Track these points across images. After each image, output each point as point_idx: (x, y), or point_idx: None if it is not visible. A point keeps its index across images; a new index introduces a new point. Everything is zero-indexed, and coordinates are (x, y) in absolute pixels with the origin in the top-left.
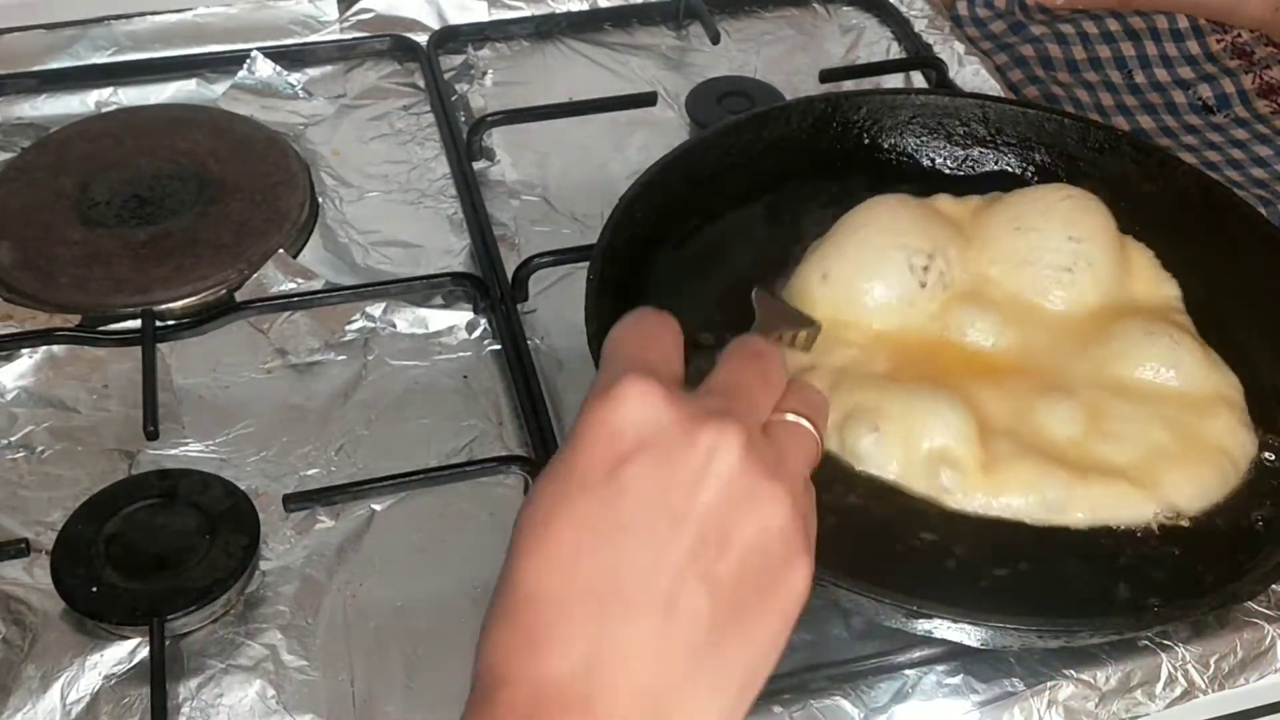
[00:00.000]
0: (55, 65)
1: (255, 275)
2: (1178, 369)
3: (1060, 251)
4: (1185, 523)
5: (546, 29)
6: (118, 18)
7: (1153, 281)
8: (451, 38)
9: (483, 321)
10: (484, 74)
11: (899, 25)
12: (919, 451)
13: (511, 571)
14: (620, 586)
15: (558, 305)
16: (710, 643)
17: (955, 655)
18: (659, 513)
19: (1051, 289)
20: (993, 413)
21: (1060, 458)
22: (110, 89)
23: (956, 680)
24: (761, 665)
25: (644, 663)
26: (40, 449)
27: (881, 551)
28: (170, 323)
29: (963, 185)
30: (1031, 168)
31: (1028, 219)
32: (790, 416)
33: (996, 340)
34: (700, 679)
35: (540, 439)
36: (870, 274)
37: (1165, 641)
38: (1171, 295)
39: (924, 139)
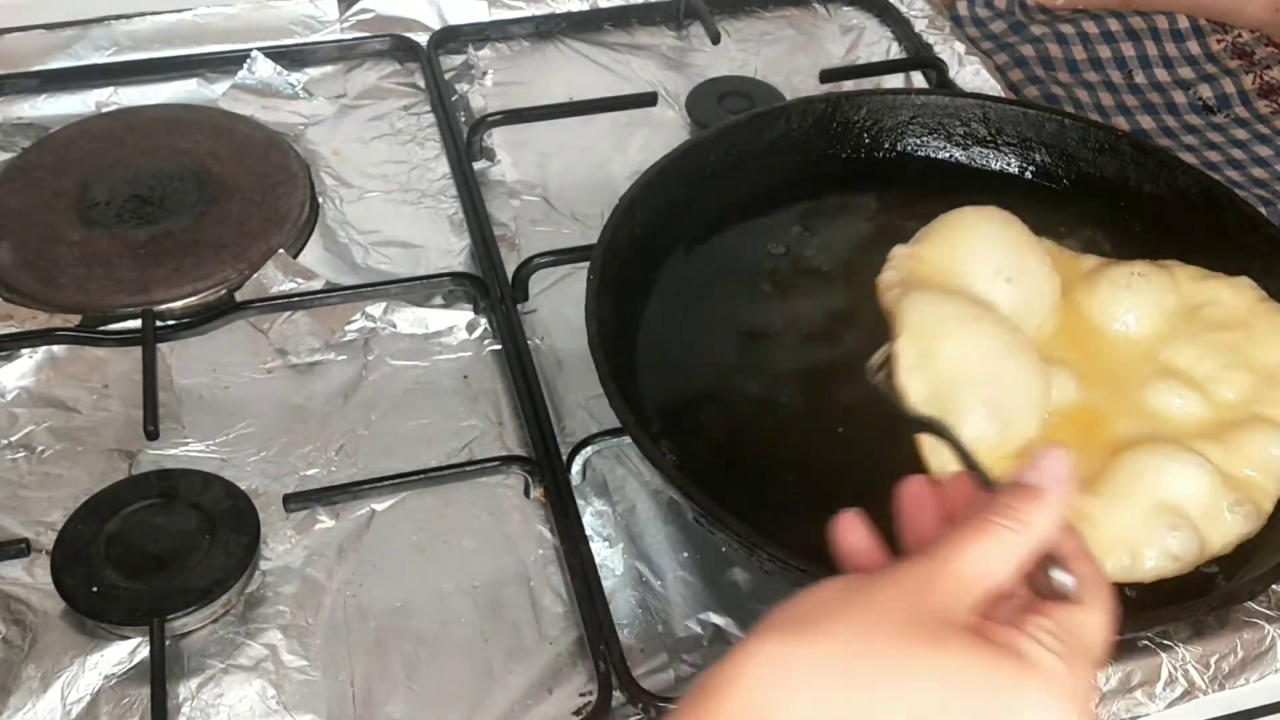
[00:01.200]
0: (55, 65)
1: (255, 275)
2: (1163, 289)
3: (1044, 279)
4: None
5: (547, 29)
6: (118, 18)
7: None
8: (452, 38)
9: (483, 321)
10: (484, 74)
11: (899, 25)
12: (1189, 515)
13: None
14: None
15: (558, 305)
16: None
17: None
18: None
19: (1048, 312)
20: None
21: (1230, 421)
22: (110, 89)
23: None
24: None
25: None
26: (40, 449)
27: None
28: (170, 323)
29: (963, 185)
30: (1032, 168)
31: (1009, 267)
32: None
33: (1076, 384)
34: None
35: (540, 439)
36: (1029, 405)
37: (1165, 641)
38: (1050, 246)
39: (924, 139)
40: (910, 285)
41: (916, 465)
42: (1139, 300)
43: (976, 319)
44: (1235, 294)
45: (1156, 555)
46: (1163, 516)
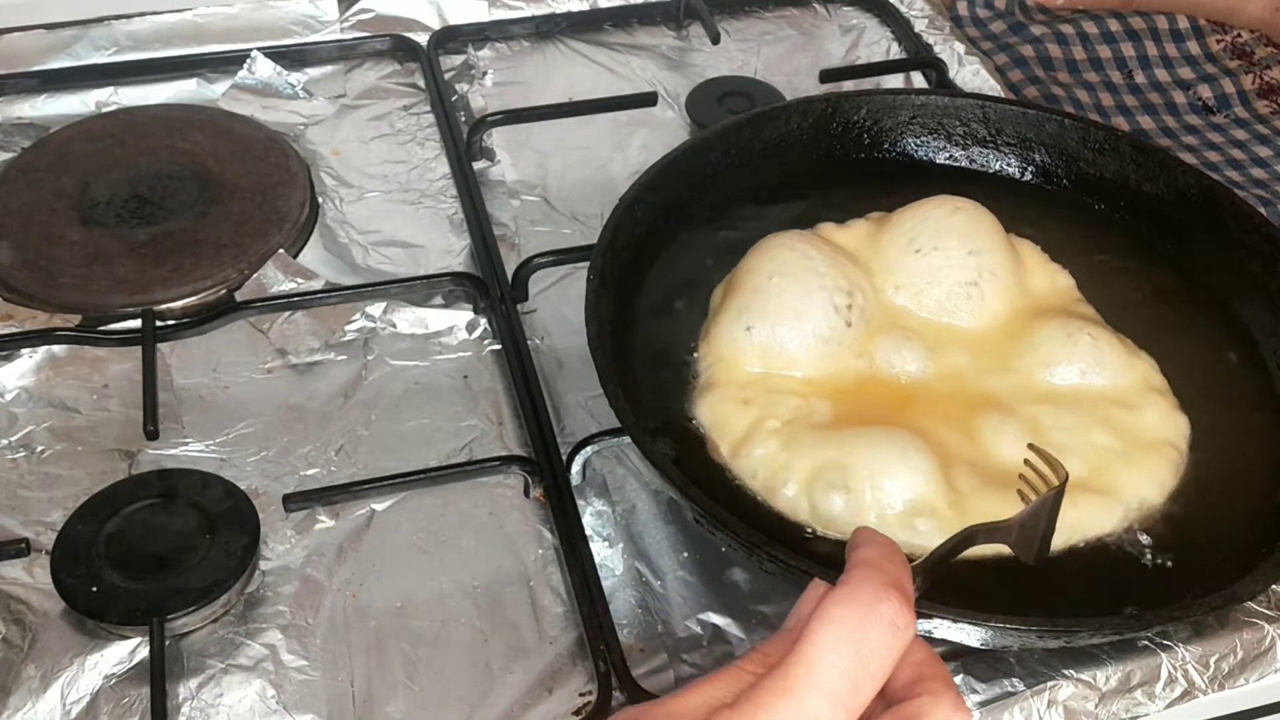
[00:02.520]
0: (55, 65)
1: (255, 275)
2: (1103, 365)
3: (964, 268)
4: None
5: (546, 29)
6: (118, 18)
7: (1047, 275)
8: (451, 38)
9: (483, 321)
10: (484, 74)
11: (899, 25)
12: (891, 504)
13: None
14: None
15: (558, 305)
16: None
17: (955, 655)
18: None
19: (961, 306)
20: (944, 444)
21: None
22: (110, 89)
23: (957, 680)
24: None
25: None
26: (40, 449)
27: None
28: (170, 323)
29: (963, 185)
30: (1031, 168)
31: (925, 238)
32: None
33: (924, 367)
34: None
35: (540, 439)
36: (797, 321)
37: (1165, 642)
38: (1067, 285)
39: (924, 139)
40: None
41: None
42: (1069, 354)
43: (786, 248)
44: (1159, 419)
45: (819, 504)
46: (829, 478)
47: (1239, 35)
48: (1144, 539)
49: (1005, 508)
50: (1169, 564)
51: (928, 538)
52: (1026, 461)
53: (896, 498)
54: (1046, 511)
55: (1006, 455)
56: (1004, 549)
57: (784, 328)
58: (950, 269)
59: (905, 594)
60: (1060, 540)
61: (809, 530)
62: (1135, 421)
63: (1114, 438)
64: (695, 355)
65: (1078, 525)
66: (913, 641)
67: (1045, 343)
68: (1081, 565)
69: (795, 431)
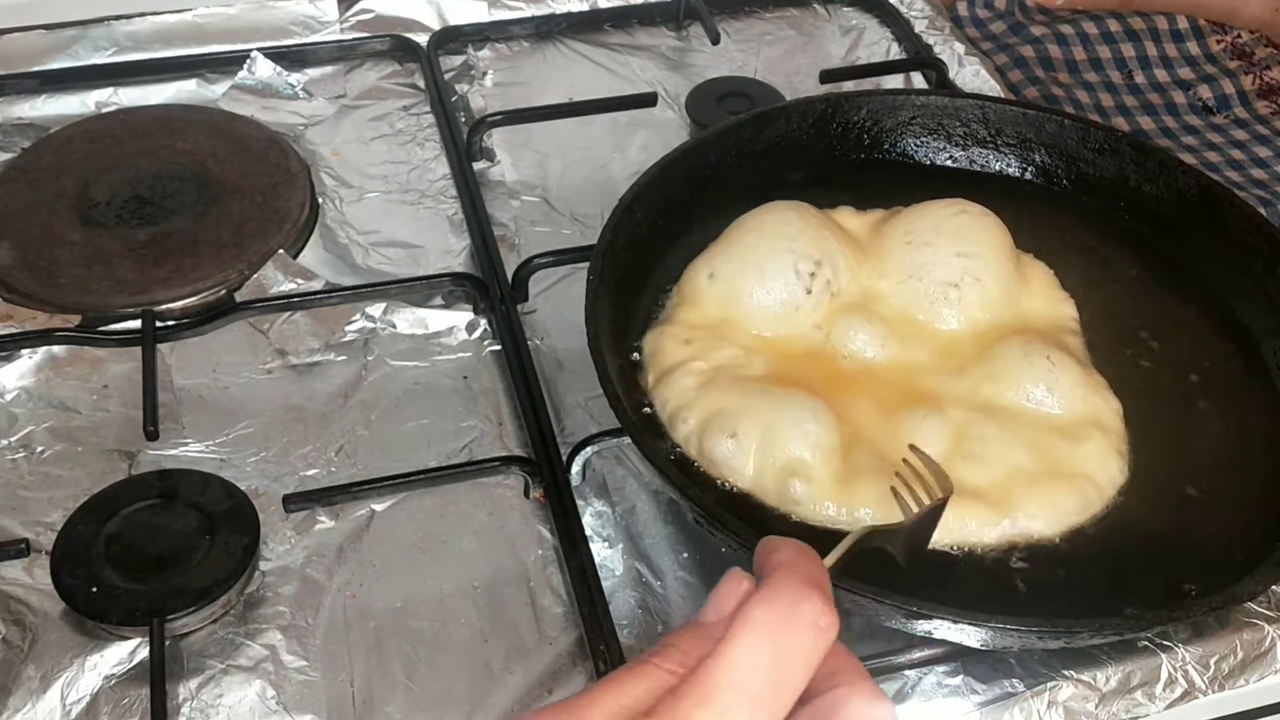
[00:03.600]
0: (55, 65)
1: (255, 275)
2: (1053, 391)
3: (948, 267)
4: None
5: (546, 29)
6: (118, 18)
7: (1049, 300)
8: (451, 38)
9: (483, 322)
10: (484, 74)
11: (899, 26)
12: (773, 461)
13: None
14: None
15: (558, 305)
16: None
17: (955, 656)
18: None
19: (938, 305)
20: (861, 425)
21: None
22: (110, 89)
23: (956, 681)
24: None
25: None
26: (40, 449)
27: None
28: (170, 323)
29: (963, 185)
30: (1031, 168)
31: (920, 234)
32: None
33: (877, 353)
34: None
35: (540, 439)
36: (756, 275)
37: (1165, 642)
38: (1067, 315)
39: (924, 139)
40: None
41: None
42: (1021, 374)
43: (777, 215)
44: (1091, 454)
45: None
46: (722, 422)
47: (1239, 36)
48: (1018, 564)
49: (866, 494)
50: (1030, 594)
51: (797, 501)
52: (905, 461)
53: (779, 454)
54: (929, 521)
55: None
56: None
57: (742, 279)
58: (934, 266)
59: (826, 594)
60: (937, 536)
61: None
62: (1066, 452)
63: (1032, 460)
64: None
65: (953, 529)
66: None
67: (1001, 357)
68: (951, 569)
69: (718, 376)
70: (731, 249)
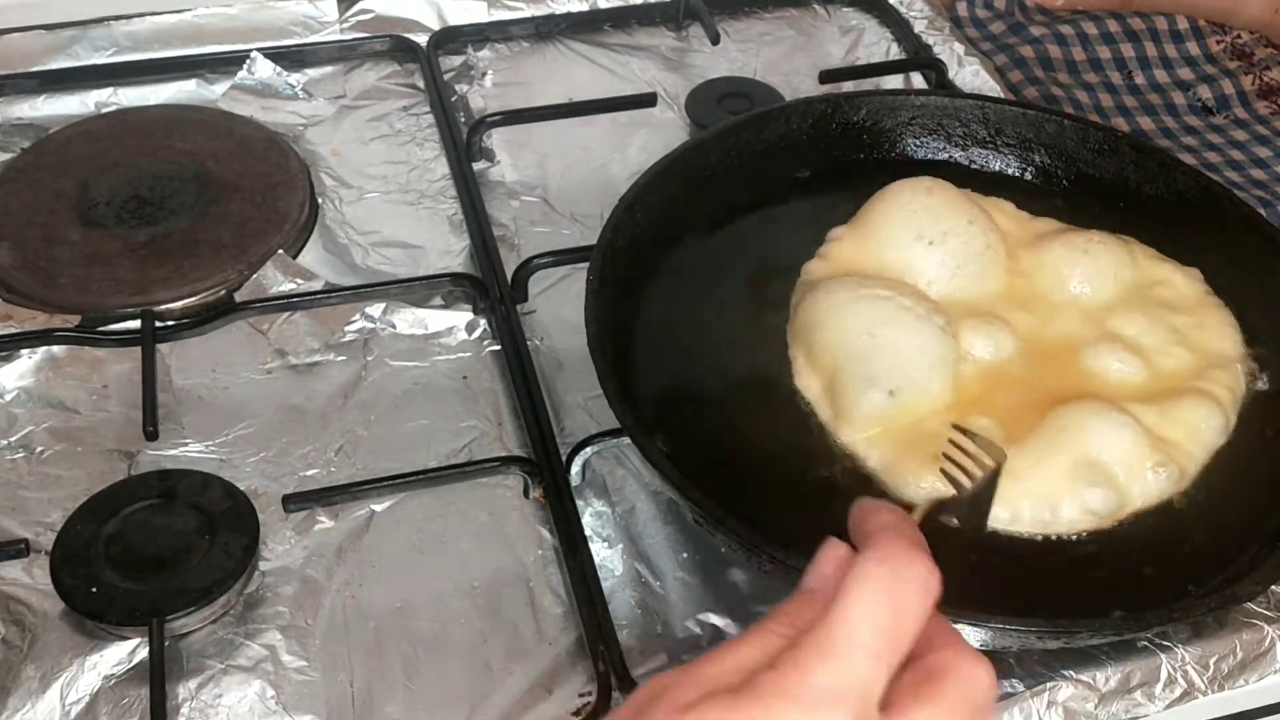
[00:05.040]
0: (55, 65)
1: (255, 276)
2: (1120, 259)
3: (973, 238)
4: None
5: (546, 29)
6: (118, 18)
7: (997, 209)
8: (451, 38)
9: (482, 322)
10: (484, 75)
11: (899, 26)
12: (1142, 475)
13: None
14: None
15: (558, 305)
16: None
17: None
18: None
19: (986, 270)
20: (1085, 393)
21: (1169, 389)
22: (110, 89)
23: None
24: None
25: None
26: (40, 449)
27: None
28: (170, 323)
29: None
30: (1031, 169)
31: (929, 229)
32: None
33: (1012, 342)
34: None
35: (540, 439)
36: (924, 359)
37: (1165, 642)
38: (1011, 209)
39: (924, 140)
40: (826, 274)
41: None
42: (1095, 266)
43: (856, 298)
44: (1186, 281)
45: (1076, 509)
46: (1084, 472)
47: (1238, 36)
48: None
49: (1191, 415)
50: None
51: (1163, 482)
52: (951, 440)
53: (1118, 460)
54: (989, 487)
55: (1133, 377)
56: None
57: (918, 372)
58: (968, 243)
59: (930, 556)
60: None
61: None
62: (1173, 292)
63: (1177, 314)
64: (837, 444)
65: (1232, 402)
66: None
67: (1067, 266)
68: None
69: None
70: (884, 359)
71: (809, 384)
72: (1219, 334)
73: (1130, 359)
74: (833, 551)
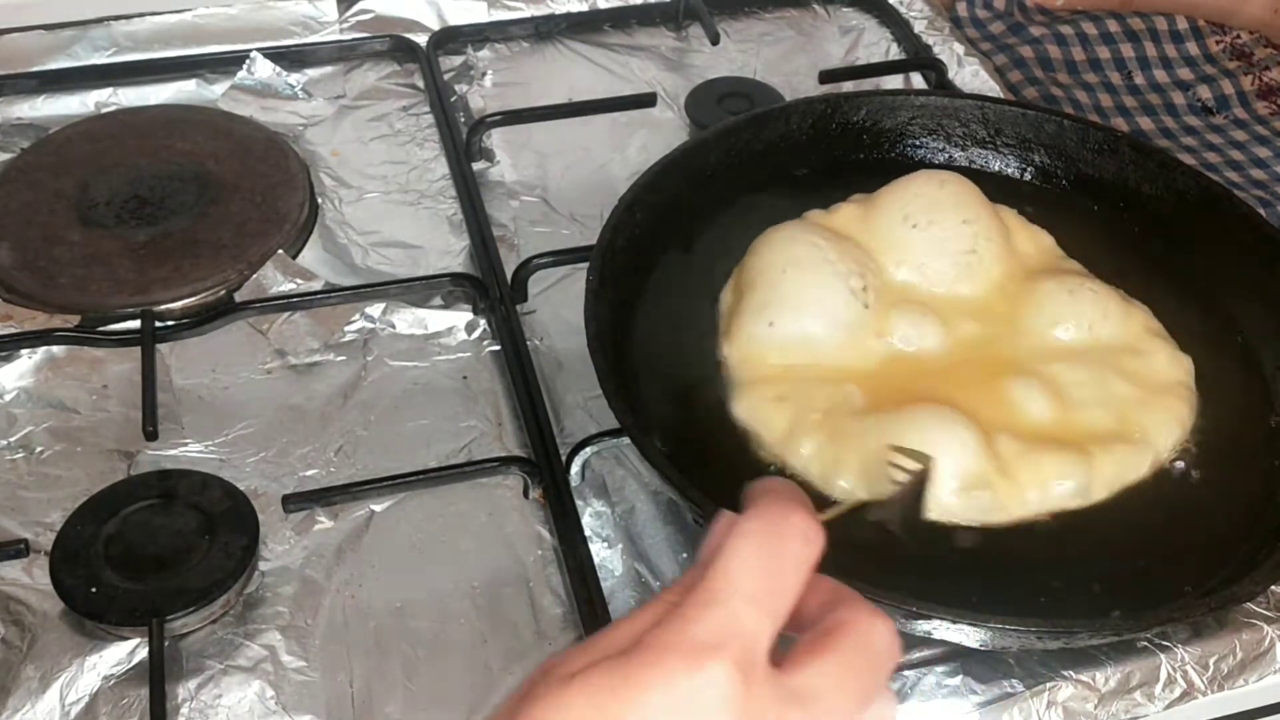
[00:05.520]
0: (55, 65)
1: (255, 276)
2: (1108, 316)
3: (961, 237)
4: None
5: (546, 30)
6: (117, 18)
7: (1029, 236)
8: (451, 38)
9: (482, 322)
10: (483, 75)
11: (898, 26)
12: (949, 484)
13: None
14: None
15: (557, 306)
16: None
17: (954, 656)
18: None
19: (963, 274)
20: (976, 413)
21: (1058, 439)
22: (110, 89)
23: (956, 681)
24: None
25: None
26: (40, 449)
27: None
28: (170, 323)
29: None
30: (1031, 169)
31: (919, 214)
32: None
33: (941, 340)
34: None
35: (539, 439)
36: (819, 310)
37: (1164, 642)
38: (1049, 244)
39: (923, 140)
40: (815, 220)
41: None
42: (1073, 310)
43: (794, 240)
44: (1169, 365)
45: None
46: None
47: (1238, 36)
48: (1178, 465)
49: (1052, 468)
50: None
51: (987, 511)
52: (890, 461)
53: (950, 473)
54: (916, 492)
55: (1037, 416)
56: None
57: (807, 318)
58: (949, 240)
59: (811, 511)
60: (1103, 491)
61: None
62: (1145, 367)
63: (1131, 385)
64: (719, 356)
65: (1116, 476)
66: (821, 578)
67: (1050, 302)
68: (1124, 509)
69: (837, 422)
70: (781, 292)
71: (726, 297)
72: (1162, 419)
73: (1046, 401)
74: (723, 522)
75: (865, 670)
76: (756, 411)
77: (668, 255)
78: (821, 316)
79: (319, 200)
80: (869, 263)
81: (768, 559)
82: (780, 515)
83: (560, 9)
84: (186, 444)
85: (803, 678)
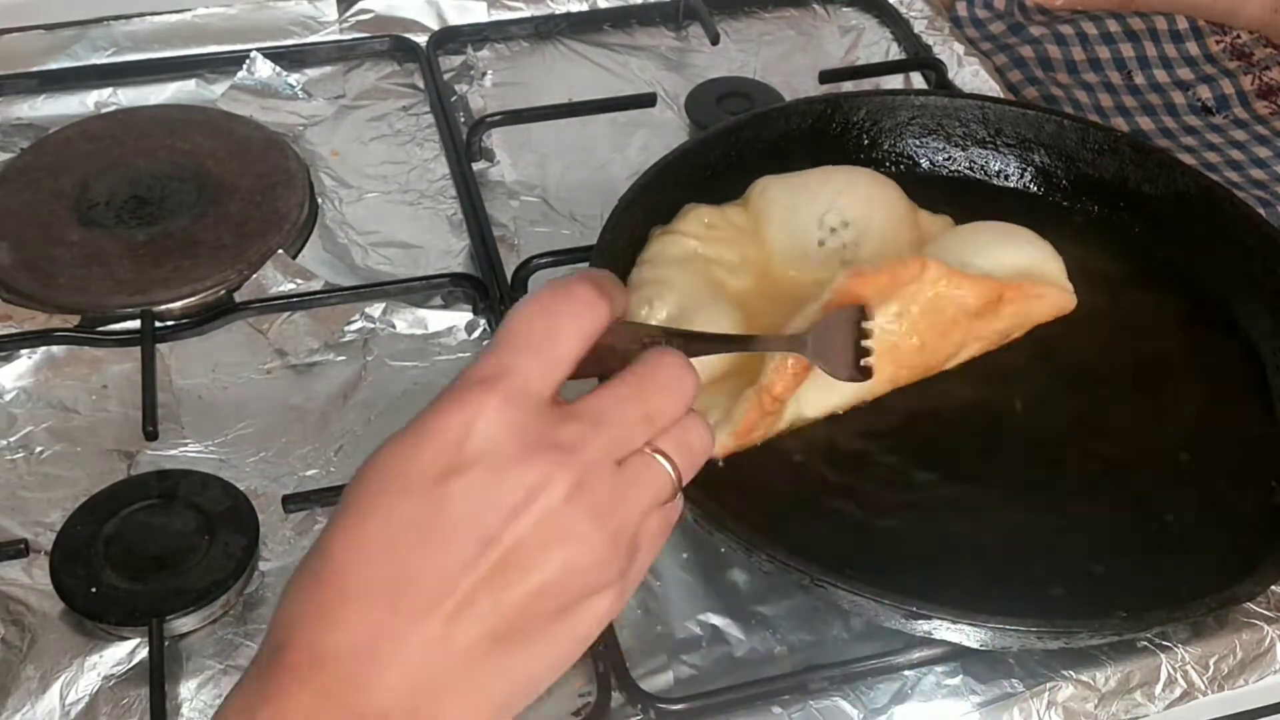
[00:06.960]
0: (55, 65)
1: (254, 276)
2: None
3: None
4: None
5: (546, 30)
6: (117, 18)
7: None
8: (451, 38)
9: (482, 322)
10: (483, 75)
11: (898, 26)
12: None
13: (325, 545)
14: (415, 588)
15: None
16: (491, 651)
17: (955, 656)
18: (471, 531)
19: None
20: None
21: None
22: (110, 89)
23: (956, 681)
24: (545, 675)
25: (419, 655)
26: (39, 449)
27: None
28: (170, 323)
29: (961, 187)
30: (1030, 169)
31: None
32: (656, 457)
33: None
34: (474, 678)
35: None
36: (790, 206)
37: (1164, 642)
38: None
39: (923, 140)
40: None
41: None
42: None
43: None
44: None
45: None
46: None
47: (1238, 36)
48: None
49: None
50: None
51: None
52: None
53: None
54: (846, 325)
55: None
56: None
57: (780, 204)
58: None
59: (602, 287)
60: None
61: None
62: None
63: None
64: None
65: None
66: (658, 353)
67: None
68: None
69: (698, 262)
70: (789, 182)
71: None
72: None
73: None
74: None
75: (651, 392)
76: (690, 210)
77: None
78: (789, 216)
79: (319, 200)
80: (870, 240)
81: (543, 314)
82: (564, 285)
83: (560, 9)
84: (186, 444)
85: (585, 402)
